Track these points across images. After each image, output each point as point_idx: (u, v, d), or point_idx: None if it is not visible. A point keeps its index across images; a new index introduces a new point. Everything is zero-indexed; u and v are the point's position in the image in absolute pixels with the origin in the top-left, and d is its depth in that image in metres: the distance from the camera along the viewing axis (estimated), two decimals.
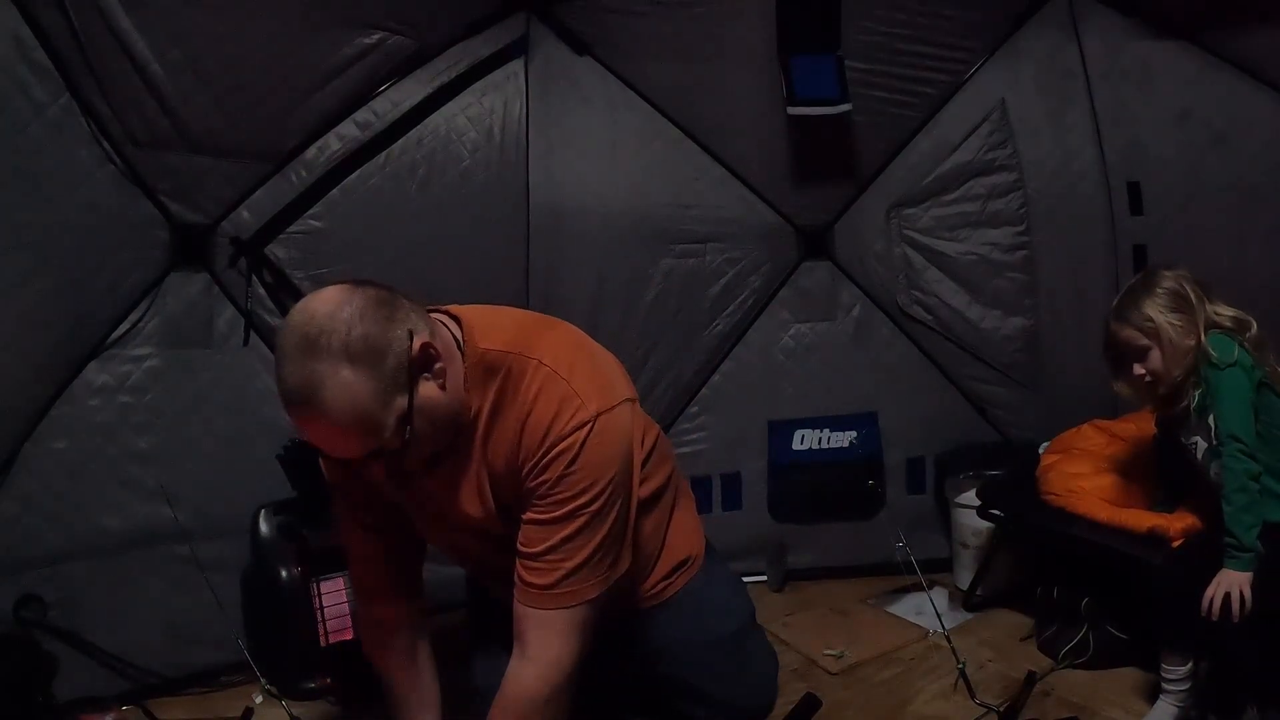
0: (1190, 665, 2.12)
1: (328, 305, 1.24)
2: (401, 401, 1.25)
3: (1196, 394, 2.17)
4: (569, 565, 1.38)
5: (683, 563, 1.76)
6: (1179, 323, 2.15)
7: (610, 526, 1.40)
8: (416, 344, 1.28)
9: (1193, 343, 2.13)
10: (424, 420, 1.30)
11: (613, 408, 1.40)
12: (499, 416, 1.41)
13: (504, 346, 1.42)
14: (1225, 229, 3.05)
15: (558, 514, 1.37)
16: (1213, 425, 2.12)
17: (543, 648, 1.40)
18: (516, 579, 1.43)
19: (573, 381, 1.38)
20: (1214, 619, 1.99)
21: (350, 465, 1.43)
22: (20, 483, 2.42)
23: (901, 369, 3.36)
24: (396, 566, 1.68)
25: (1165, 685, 2.15)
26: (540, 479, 1.37)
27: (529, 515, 1.41)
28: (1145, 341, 2.18)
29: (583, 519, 1.37)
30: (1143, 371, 2.20)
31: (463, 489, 1.49)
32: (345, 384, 1.20)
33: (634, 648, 1.69)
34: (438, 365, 1.32)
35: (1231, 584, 1.98)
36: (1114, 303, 2.28)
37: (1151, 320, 2.16)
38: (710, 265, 3.21)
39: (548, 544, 1.38)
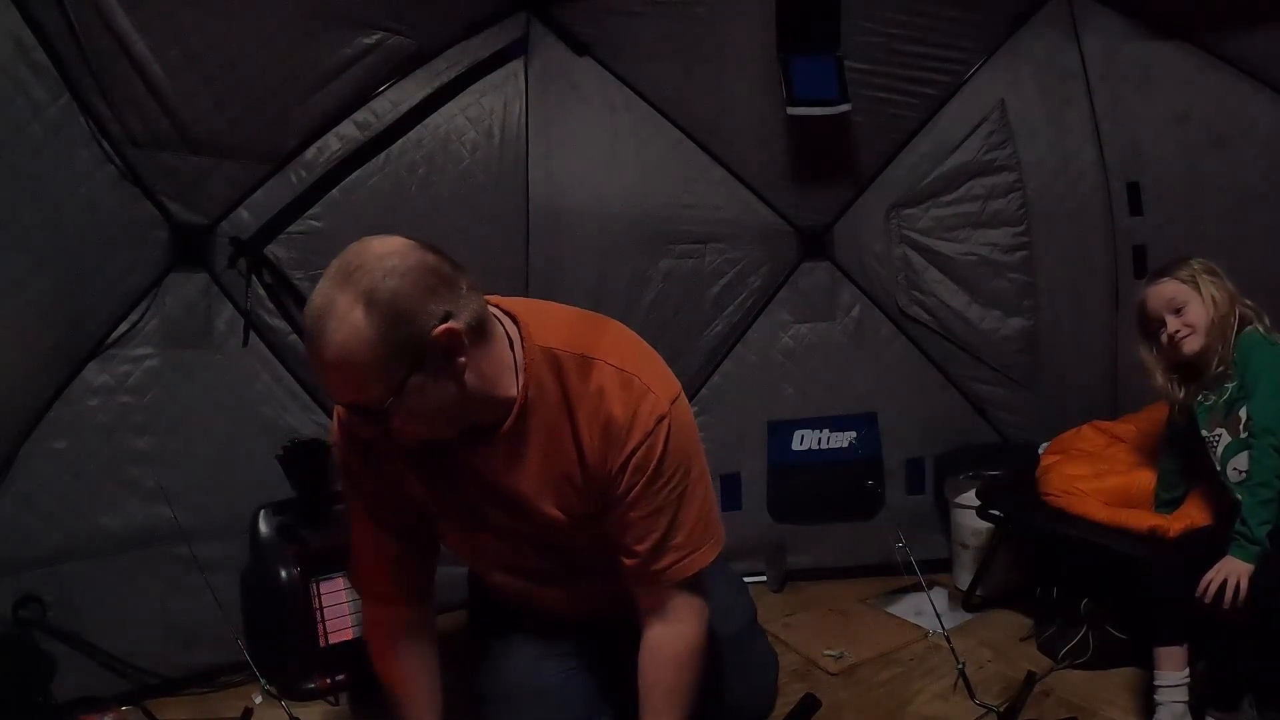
0: (1185, 672, 2.11)
1: (384, 247, 1.22)
2: (399, 372, 1.20)
3: (1230, 386, 2.17)
4: (683, 542, 1.46)
5: None
6: (1218, 289, 2.21)
7: (704, 499, 1.49)
8: (444, 327, 1.22)
9: (1229, 316, 2.17)
10: (423, 403, 1.25)
11: (678, 396, 1.45)
12: (568, 415, 1.41)
13: (564, 345, 1.41)
14: (1225, 229, 3.05)
15: (658, 502, 1.42)
16: (1244, 416, 2.13)
17: (684, 610, 1.51)
18: (633, 572, 1.49)
19: (642, 377, 1.40)
20: (1208, 603, 2.00)
21: (371, 445, 1.44)
22: (20, 483, 2.41)
23: (901, 369, 3.37)
24: (408, 568, 1.62)
25: (1160, 697, 2.14)
26: (635, 476, 1.40)
27: (629, 513, 1.44)
28: (1186, 294, 2.22)
29: (681, 499, 1.44)
30: (1179, 326, 2.22)
31: (518, 481, 1.46)
32: (353, 325, 1.16)
33: (634, 650, 1.68)
34: (459, 359, 1.26)
35: (1232, 572, 1.99)
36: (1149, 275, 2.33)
37: (1194, 275, 2.22)
38: (710, 265, 3.21)
39: (660, 532, 1.44)
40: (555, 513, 1.48)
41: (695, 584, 1.52)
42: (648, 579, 1.49)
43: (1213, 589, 2.00)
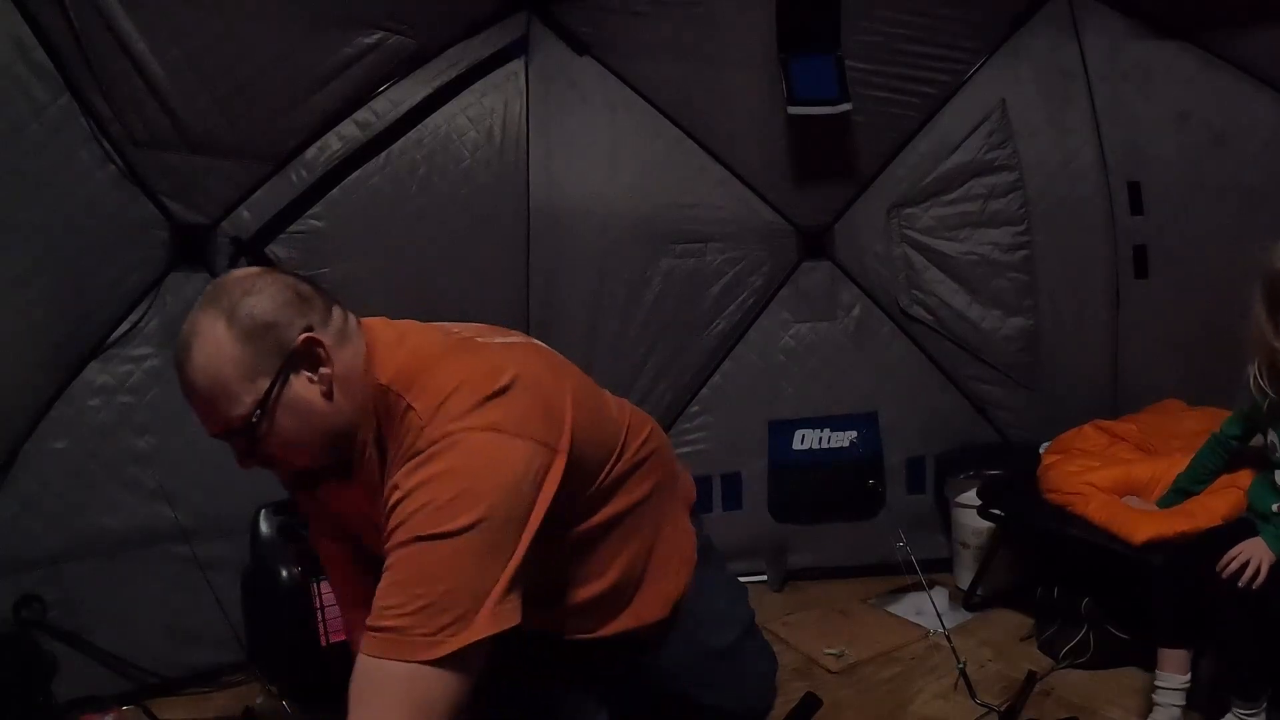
0: (1187, 677, 2.11)
1: (246, 273, 1.25)
2: (263, 384, 1.18)
3: None
4: (391, 601, 1.09)
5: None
6: None
7: (452, 568, 1.09)
8: (307, 335, 1.20)
9: None
10: (290, 416, 1.21)
11: (467, 430, 1.14)
12: (383, 458, 1.26)
13: (391, 382, 1.24)
14: (1225, 229, 3.05)
15: (392, 540, 1.12)
16: None
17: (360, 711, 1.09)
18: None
19: (426, 419, 1.16)
20: (1225, 578, 1.98)
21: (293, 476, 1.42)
22: (20, 483, 2.42)
23: (902, 369, 3.37)
24: (367, 573, 1.51)
25: (1159, 698, 2.14)
26: (386, 513, 1.15)
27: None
28: None
29: (402, 550, 1.10)
30: None
31: (362, 523, 1.40)
32: (216, 341, 1.17)
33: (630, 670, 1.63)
34: (322, 369, 1.21)
35: (1257, 554, 1.98)
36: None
37: None
38: (710, 265, 3.21)
39: (382, 581, 1.11)
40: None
41: (391, 689, 1.08)
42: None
43: (1234, 565, 1.98)
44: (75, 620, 2.46)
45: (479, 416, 1.16)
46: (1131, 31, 3.08)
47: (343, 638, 2.53)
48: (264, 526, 2.67)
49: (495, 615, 1.10)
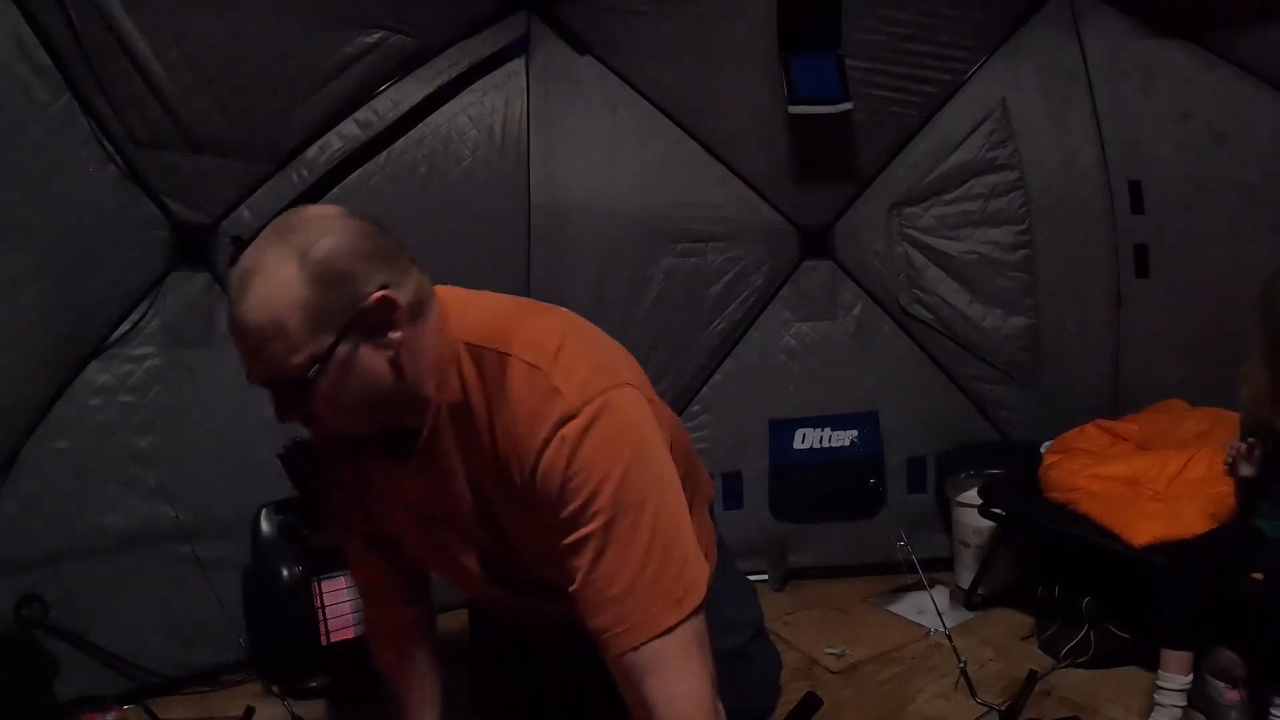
0: (1189, 678, 2.11)
1: (322, 210, 1.13)
2: (326, 338, 1.06)
3: None
4: (620, 595, 1.08)
5: None
6: None
7: (655, 544, 1.10)
8: (381, 294, 1.08)
9: None
10: (348, 379, 1.09)
11: (605, 391, 1.12)
12: (486, 423, 1.17)
13: (478, 340, 1.18)
14: (1226, 228, 3.05)
15: (578, 532, 1.09)
16: None
17: (662, 700, 1.08)
18: (591, 636, 1.13)
19: (553, 374, 1.12)
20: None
21: (336, 464, 1.31)
22: (22, 482, 2.42)
23: (902, 368, 3.37)
24: (394, 572, 1.54)
25: (1160, 698, 2.14)
26: (544, 492, 1.11)
27: (556, 542, 1.13)
28: None
29: (609, 531, 1.08)
30: None
31: (445, 501, 1.26)
32: (282, 280, 1.04)
33: None
34: (392, 334, 1.11)
35: None
36: None
37: None
38: (711, 264, 3.21)
39: (585, 573, 1.09)
40: (472, 532, 1.27)
41: (672, 659, 1.09)
42: (601, 643, 1.11)
43: None
44: (76, 620, 2.46)
45: (608, 374, 1.15)
46: (1132, 31, 3.08)
47: (344, 637, 2.55)
48: (265, 526, 2.68)
49: (698, 552, 1.14)
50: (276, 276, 1.04)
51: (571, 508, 1.09)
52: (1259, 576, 2.10)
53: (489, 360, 1.16)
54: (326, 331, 1.06)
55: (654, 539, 1.09)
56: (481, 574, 1.34)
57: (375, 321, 1.09)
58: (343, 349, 1.08)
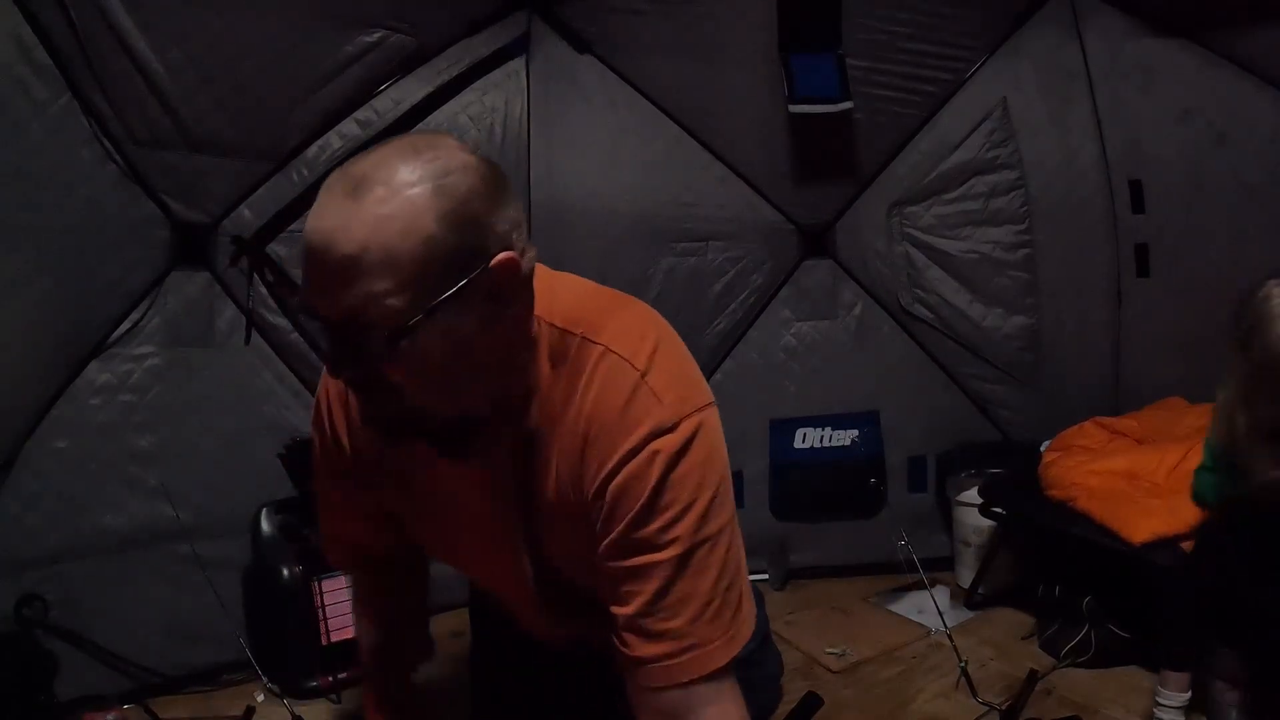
0: (1188, 695, 2.10)
1: (461, 144, 0.94)
2: (439, 288, 0.88)
3: None
4: (684, 629, 1.01)
5: None
6: None
7: (724, 572, 1.04)
8: (507, 255, 0.91)
9: None
10: (445, 344, 0.91)
11: (701, 409, 1.04)
12: (554, 418, 1.05)
13: (565, 323, 1.05)
14: (1226, 227, 3.05)
15: (647, 556, 1.00)
16: None
17: None
18: (624, 659, 1.04)
19: (650, 376, 1.01)
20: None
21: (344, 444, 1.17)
22: (22, 482, 2.41)
23: (903, 368, 3.37)
24: (382, 544, 1.38)
25: (1160, 714, 2.12)
26: (614, 507, 1.01)
27: (606, 560, 1.03)
28: None
29: (685, 562, 1.00)
30: None
31: (482, 498, 1.13)
32: (410, 202, 0.85)
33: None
34: (502, 304, 0.94)
35: None
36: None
37: None
38: (712, 264, 3.21)
39: (647, 601, 1.01)
40: (509, 540, 1.16)
41: (707, 699, 1.03)
42: (635, 670, 1.04)
43: None
44: (76, 619, 2.46)
45: (700, 389, 1.07)
46: (1133, 30, 3.08)
47: (344, 636, 2.55)
48: (265, 525, 2.68)
49: (749, 590, 1.10)
50: (404, 196, 0.85)
51: (649, 530, 1.00)
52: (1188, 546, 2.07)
53: (573, 346, 1.04)
54: (443, 280, 0.88)
55: (722, 575, 1.04)
56: (517, 573, 1.21)
57: (494, 286, 0.92)
58: (452, 307, 0.89)
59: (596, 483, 1.02)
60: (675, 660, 1.01)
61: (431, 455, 1.07)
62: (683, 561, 1.01)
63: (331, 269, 0.85)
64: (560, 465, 1.06)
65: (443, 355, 0.92)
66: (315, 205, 0.88)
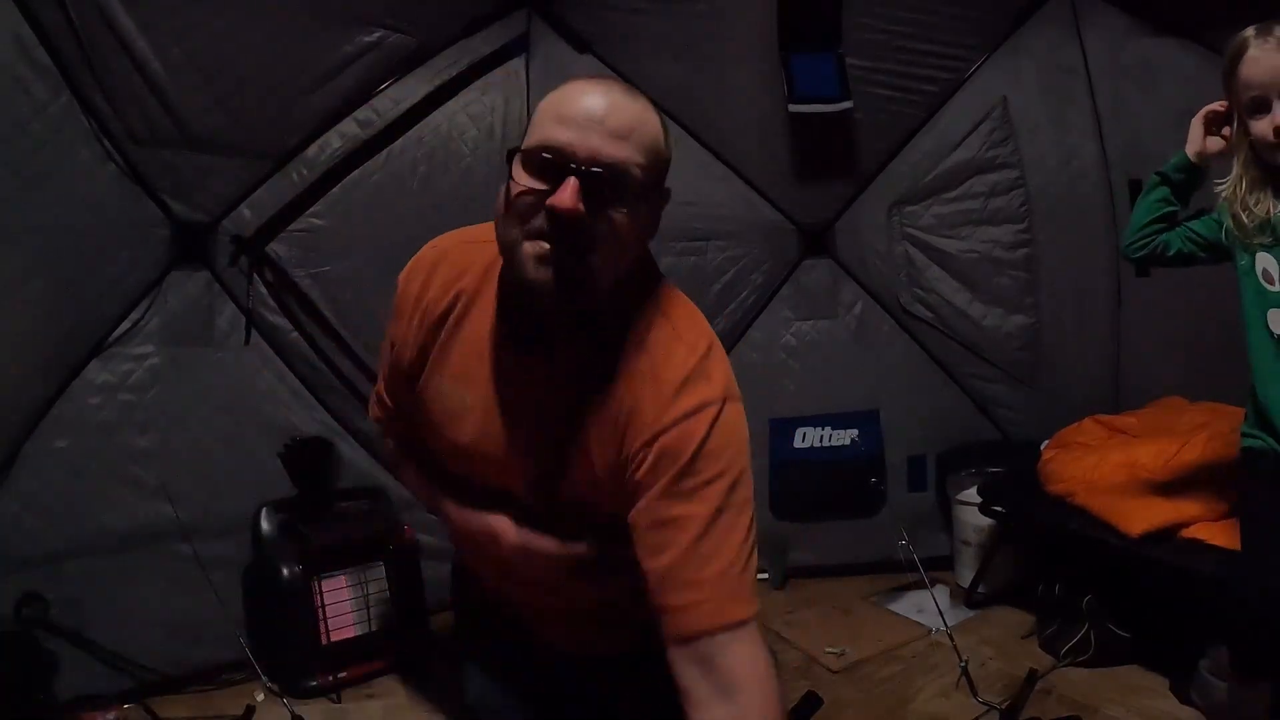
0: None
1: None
2: (650, 177, 1.20)
3: None
4: (712, 578, 1.12)
5: None
6: None
7: (745, 542, 1.16)
8: (666, 188, 1.28)
9: None
10: (635, 225, 1.19)
11: (739, 400, 1.21)
12: (614, 367, 1.20)
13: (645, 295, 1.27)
14: None
15: (684, 508, 1.12)
16: None
17: (747, 662, 1.11)
18: (657, 609, 1.14)
19: (706, 361, 1.19)
20: None
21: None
22: (22, 481, 2.41)
23: (903, 367, 3.36)
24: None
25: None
26: (658, 464, 1.13)
27: (651, 513, 1.14)
28: None
29: (716, 517, 1.13)
30: None
31: (531, 397, 1.25)
32: (657, 119, 1.22)
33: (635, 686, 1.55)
34: (654, 226, 1.28)
35: None
36: (1251, 33, 1.80)
37: None
38: (711, 263, 3.21)
39: (684, 549, 1.12)
40: (533, 462, 1.27)
41: (741, 639, 1.12)
42: (666, 624, 1.13)
43: None
44: (76, 619, 2.45)
45: (736, 388, 1.22)
46: (1133, 29, 3.08)
47: (344, 636, 2.55)
48: (265, 524, 2.68)
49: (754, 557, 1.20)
50: (656, 115, 1.21)
51: (692, 482, 1.13)
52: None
53: (649, 312, 1.24)
54: (658, 181, 1.23)
55: (746, 540, 1.16)
56: (524, 487, 1.30)
57: (661, 203, 1.27)
58: (654, 198, 1.24)
59: (649, 432, 1.16)
60: (707, 605, 1.12)
61: (504, 351, 1.25)
62: (716, 516, 1.13)
63: (612, 128, 1.13)
64: (616, 398, 1.20)
65: (635, 224, 1.18)
66: (583, 89, 1.18)
